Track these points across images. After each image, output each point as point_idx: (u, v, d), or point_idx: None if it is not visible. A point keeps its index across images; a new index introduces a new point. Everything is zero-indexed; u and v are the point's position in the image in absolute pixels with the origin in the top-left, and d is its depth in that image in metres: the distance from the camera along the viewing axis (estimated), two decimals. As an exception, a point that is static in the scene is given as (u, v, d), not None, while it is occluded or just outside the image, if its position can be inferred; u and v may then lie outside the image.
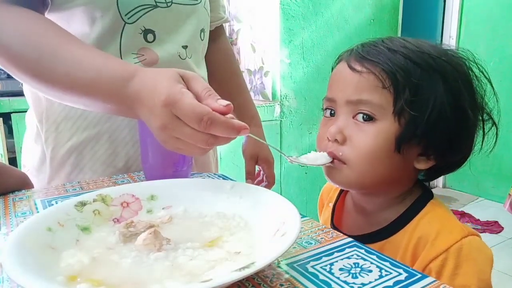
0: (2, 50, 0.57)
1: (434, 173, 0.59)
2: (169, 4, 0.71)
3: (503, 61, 2.65)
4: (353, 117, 0.55)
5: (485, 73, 0.55)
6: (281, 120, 2.24)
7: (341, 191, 0.69)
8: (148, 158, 0.63)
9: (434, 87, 0.52)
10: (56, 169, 0.73)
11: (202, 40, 0.80)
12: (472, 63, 0.55)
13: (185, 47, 0.75)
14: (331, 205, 0.68)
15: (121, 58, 0.69)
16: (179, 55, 0.74)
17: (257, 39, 2.33)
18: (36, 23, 0.59)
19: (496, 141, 0.57)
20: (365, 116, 0.54)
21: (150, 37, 0.70)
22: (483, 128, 0.57)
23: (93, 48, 0.58)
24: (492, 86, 0.56)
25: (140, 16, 0.68)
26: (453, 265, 0.50)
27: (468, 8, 2.85)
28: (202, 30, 0.80)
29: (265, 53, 2.30)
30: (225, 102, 0.45)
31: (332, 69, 0.61)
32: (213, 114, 0.43)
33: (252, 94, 2.43)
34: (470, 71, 0.55)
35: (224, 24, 0.98)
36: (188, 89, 0.46)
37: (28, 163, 0.77)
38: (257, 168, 0.98)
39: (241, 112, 0.97)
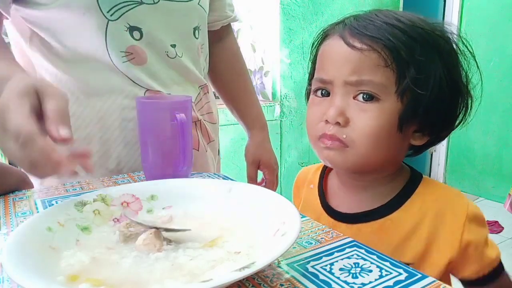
0: None
1: (422, 147, 0.59)
2: (156, 1, 0.71)
3: (503, 61, 2.65)
4: (354, 98, 0.52)
5: (469, 47, 0.54)
6: (281, 120, 2.25)
7: (323, 172, 0.66)
8: (148, 157, 0.63)
9: (433, 63, 0.51)
10: None
11: (197, 38, 0.79)
12: (456, 37, 0.54)
13: (173, 45, 0.74)
14: (312, 186, 0.66)
15: (109, 57, 0.69)
16: (166, 54, 0.74)
17: (257, 39, 2.33)
18: None
19: (469, 113, 0.56)
20: (366, 96, 0.51)
21: (136, 34, 0.70)
22: (467, 103, 0.56)
23: None
24: (475, 61, 0.55)
25: (123, 13, 0.68)
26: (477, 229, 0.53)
27: (468, 8, 2.85)
28: (197, 28, 0.79)
29: (265, 53, 2.30)
30: (64, 132, 0.42)
31: (313, 44, 0.58)
32: (31, 137, 0.40)
33: (252, 94, 2.43)
34: (455, 45, 0.54)
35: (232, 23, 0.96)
36: (40, 104, 0.43)
37: None
38: (261, 174, 0.96)
39: (243, 114, 0.96)
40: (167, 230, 0.43)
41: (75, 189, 0.64)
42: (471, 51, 0.54)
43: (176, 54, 0.75)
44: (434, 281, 0.37)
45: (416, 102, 0.51)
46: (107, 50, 0.69)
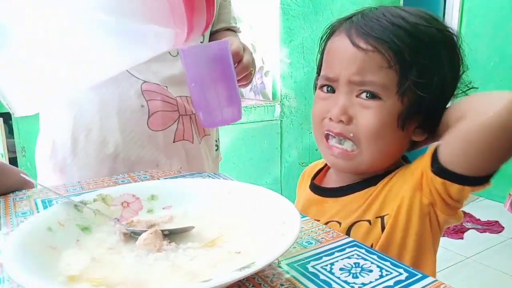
0: None
1: (420, 143, 0.59)
2: None
3: (503, 60, 2.65)
4: (357, 96, 0.54)
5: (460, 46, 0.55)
6: (281, 120, 2.24)
7: (321, 169, 0.68)
8: (202, 99, 0.64)
9: (438, 64, 0.52)
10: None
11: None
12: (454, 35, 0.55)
13: None
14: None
15: None
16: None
17: (257, 39, 2.33)
18: None
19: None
20: (368, 94, 0.53)
21: None
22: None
23: None
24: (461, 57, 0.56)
25: None
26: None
27: (468, 8, 2.85)
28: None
29: (265, 53, 2.30)
30: None
31: (322, 38, 0.59)
32: None
33: (252, 94, 2.43)
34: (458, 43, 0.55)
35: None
36: None
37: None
38: None
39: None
40: (170, 231, 0.43)
41: (75, 189, 0.64)
42: (460, 47, 0.55)
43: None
44: (434, 281, 0.37)
45: (417, 102, 0.52)
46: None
